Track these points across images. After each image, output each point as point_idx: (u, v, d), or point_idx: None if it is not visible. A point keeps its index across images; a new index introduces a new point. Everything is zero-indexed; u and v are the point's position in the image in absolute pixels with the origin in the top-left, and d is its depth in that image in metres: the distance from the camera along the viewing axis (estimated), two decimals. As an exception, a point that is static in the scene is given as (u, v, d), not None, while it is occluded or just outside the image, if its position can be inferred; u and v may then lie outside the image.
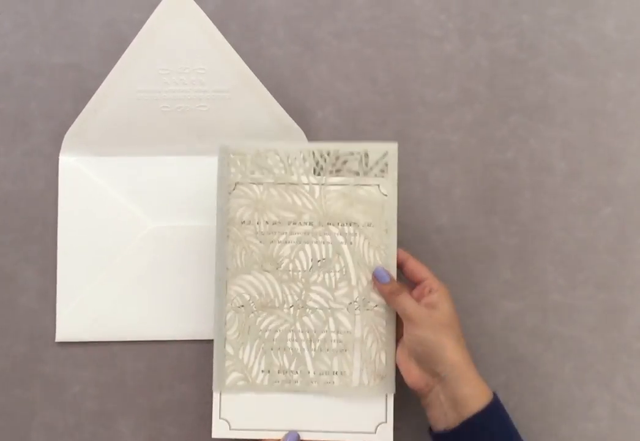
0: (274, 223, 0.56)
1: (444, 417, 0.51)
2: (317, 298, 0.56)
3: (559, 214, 0.62)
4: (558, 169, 0.62)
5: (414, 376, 0.52)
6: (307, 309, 0.56)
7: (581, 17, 0.63)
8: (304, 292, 0.56)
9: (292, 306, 0.56)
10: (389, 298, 0.54)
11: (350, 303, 0.56)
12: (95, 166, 0.62)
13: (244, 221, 0.56)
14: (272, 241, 0.56)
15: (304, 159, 0.56)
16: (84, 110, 0.61)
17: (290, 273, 0.56)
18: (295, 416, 0.56)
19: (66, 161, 0.62)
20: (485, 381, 0.51)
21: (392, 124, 0.63)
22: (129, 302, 0.61)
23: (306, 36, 0.63)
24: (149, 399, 0.60)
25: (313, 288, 0.56)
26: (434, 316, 0.52)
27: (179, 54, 0.61)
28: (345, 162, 0.57)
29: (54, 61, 0.63)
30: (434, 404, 0.52)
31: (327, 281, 0.56)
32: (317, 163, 0.57)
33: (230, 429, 0.56)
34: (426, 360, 0.52)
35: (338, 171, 0.57)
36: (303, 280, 0.56)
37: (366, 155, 0.56)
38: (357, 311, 0.56)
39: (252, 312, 0.56)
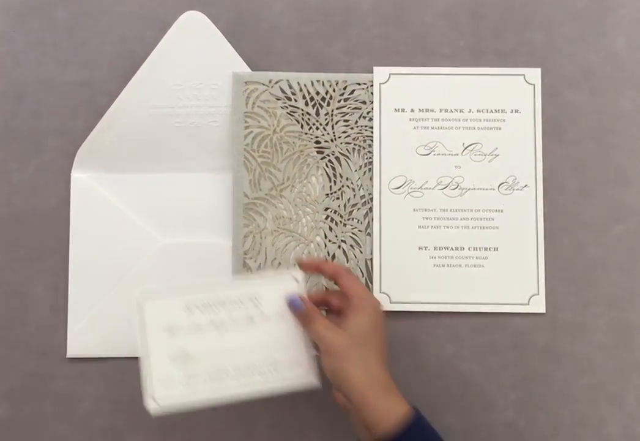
0: (426, 110, 0.61)
1: (365, 437, 0.50)
2: (470, 179, 0.60)
3: (569, 232, 0.62)
4: (569, 187, 0.62)
5: (335, 394, 0.52)
6: (461, 190, 0.60)
7: (592, 35, 0.63)
8: (457, 173, 0.60)
9: (445, 187, 0.60)
10: (304, 325, 0.53)
11: (501, 184, 0.60)
12: (107, 182, 0.62)
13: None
14: (425, 127, 0.61)
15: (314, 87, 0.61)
16: (96, 126, 0.62)
17: (442, 156, 0.60)
18: (451, 289, 0.60)
19: (78, 177, 0.62)
20: (400, 401, 0.49)
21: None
22: (140, 318, 0.61)
23: (317, 54, 0.63)
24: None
25: (465, 170, 0.60)
26: (337, 341, 0.50)
27: (193, 70, 0.62)
28: (352, 91, 0.61)
29: (67, 79, 0.63)
30: (355, 423, 0.51)
31: (478, 163, 0.60)
32: (326, 92, 0.61)
33: (390, 302, 0.60)
34: (336, 385, 0.51)
35: (346, 100, 0.61)
36: (455, 163, 0.60)
37: (372, 85, 0.62)
38: (507, 191, 0.60)
39: (411, 191, 0.61)
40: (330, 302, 0.54)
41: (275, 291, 0.53)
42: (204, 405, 0.52)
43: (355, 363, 0.49)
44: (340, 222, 0.62)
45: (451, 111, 0.61)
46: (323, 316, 0.52)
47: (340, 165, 0.62)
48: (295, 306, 0.52)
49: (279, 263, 0.61)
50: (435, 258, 0.61)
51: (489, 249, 0.60)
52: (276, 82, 0.62)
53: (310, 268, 0.54)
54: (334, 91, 0.62)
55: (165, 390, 0.52)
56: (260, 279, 0.53)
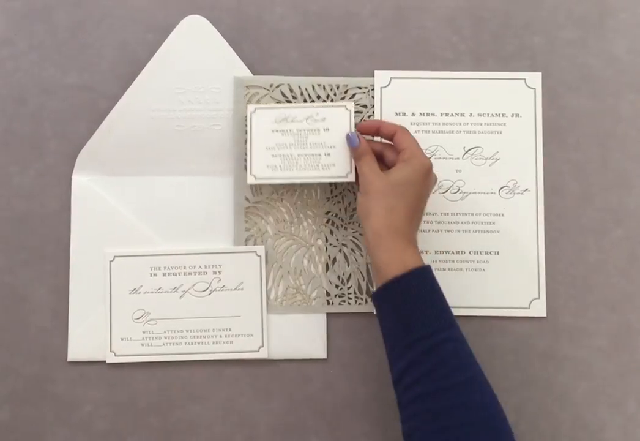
0: (427, 114, 0.61)
1: (375, 282, 0.53)
2: (471, 183, 0.60)
3: (569, 235, 0.62)
4: (569, 191, 0.62)
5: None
6: (462, 194, 0.60)
7: (592, 39, 0.64)
8: (458, 177, 0.60)
9: (446, 191, 0.60)
10: (355, 161, 0.56)
11: (501, 188, 0.60)
12: (107, 185, 0.62)
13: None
14: (426, 131, 0.61)
15: (315, 91, 0.61)
16: (98, 129, 0.62)
17: (443, 160, 0.60)
18: (452, 293, 0.58)
19: (79, 180, 0.62)
20: (414, 253, 0.51)
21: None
22: (141, 322, 0.61)
23: (318, 58, 0.63)
24: (160, 419, 0.60)
25: (466, 174, 0.61)
26: (375, 184, 0.53)
27: (195, 74, 0.62)
28: (353, 95, 0.62)
29: (68, 82, 0.63)
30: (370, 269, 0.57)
31: (478, 167, 0.60)
32: (327, 96, 0.62)
33: None
34: (362, 225, 0.54)
35: None
36: (456, 167, 0.60)
37: (373, 89, 0.62)
38: (508, 195, 0.60)
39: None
40: (384, 155, 0.57)
41: (236, 264, 0.59)
42: (158, 360, 0.60)
43: (382, 206, 0.52)
44: (341, 225, 0.62)
45: (452, 114, 0.61)
46: (373, 158, 0.55)
47: (341, 169, 0.62)
48: (351, 142, 0.56)
49: (280, 266, 0.61)
50: (436, 261, 0.61)
51: (490, 253, 0.61)
52: (277, 86, 0.62)
53: (369, 129, 0.58)
54: (335, 94, 0.62)
55: (124, 345, 0.59)
56: (224, 253, 0.59)
